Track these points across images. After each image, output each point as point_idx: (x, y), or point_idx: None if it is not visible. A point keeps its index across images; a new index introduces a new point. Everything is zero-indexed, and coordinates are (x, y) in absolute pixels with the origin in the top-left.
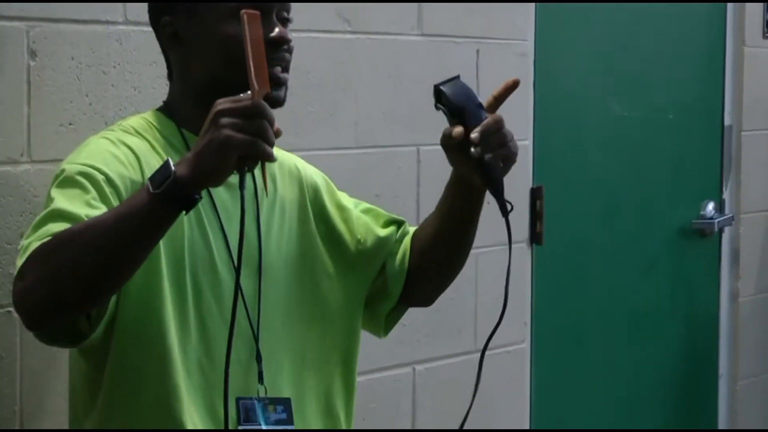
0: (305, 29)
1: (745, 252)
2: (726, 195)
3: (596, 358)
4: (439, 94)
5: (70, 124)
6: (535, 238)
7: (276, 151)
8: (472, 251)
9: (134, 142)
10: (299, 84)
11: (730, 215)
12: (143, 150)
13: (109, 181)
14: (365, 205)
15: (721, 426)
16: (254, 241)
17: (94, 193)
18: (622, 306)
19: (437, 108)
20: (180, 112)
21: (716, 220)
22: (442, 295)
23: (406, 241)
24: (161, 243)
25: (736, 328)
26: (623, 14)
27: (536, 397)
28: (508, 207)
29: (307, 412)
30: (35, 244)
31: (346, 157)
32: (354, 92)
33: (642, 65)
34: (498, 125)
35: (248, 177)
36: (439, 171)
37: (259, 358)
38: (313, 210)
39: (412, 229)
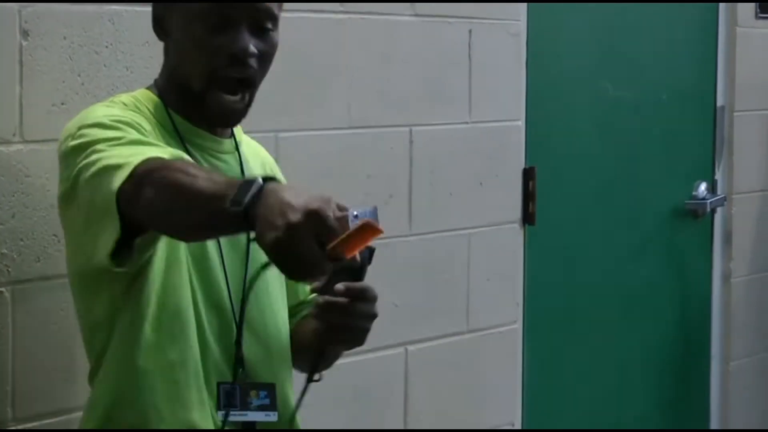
0: (298, 9)
1: (738, 232)
2: (718, 175)
3: (588, 340)
4: None
5: (63, 103)
6: (527, 218)
7: (250, 141)
8: (465, 231)
9: (129, 112)
10: (291, 64)
11: (723, 196)
12: (139, 119)
13: (133, 126)
14: None
15: (713, 407)
16: None
17: (132, 130)
18: (614, 287)
19: None
20: (166, 92)
21: (709, 201)
22: (435, 275)
23: (301, 314)
24: None
25: (728, 309)
26: None
27: (528, 377)
28: (315, 377)
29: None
30: (153, 155)
31: (339, 138)
32: (346, 73)
33: (635, 46)
34: (344, 306)
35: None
36: (431, 152)
37: (238, 344)
38: None
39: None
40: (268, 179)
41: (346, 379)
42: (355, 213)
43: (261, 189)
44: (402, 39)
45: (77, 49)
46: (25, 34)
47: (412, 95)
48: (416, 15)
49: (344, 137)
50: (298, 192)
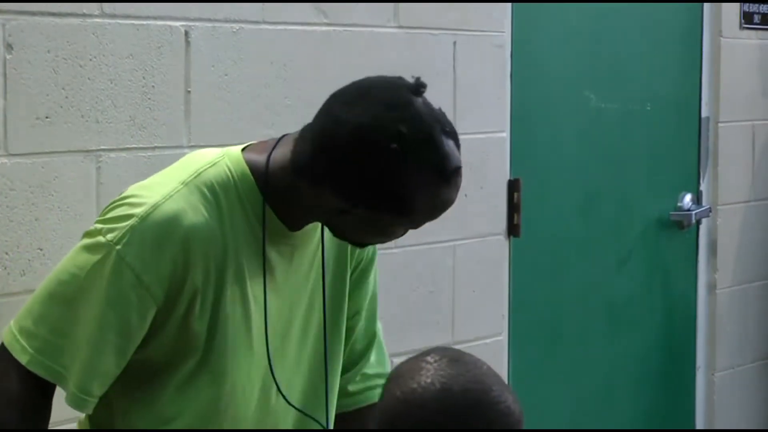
0: (282, 21)
1: (723, 244)
2: (703, 187)
3: (574, 351)
4: None
5: (47, 117)
6: (512, 230)
7: None
8: (450, 243)
9: (195, 223)
10: (276, 76)
11: (708, 207)
12: (202, 232)
13: (142, 285)
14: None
15: (698, 418)
16: (317, 304)
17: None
18: (599, 298)
19: None
20: (277, 192)
21: (693, 212)
22: (420, 286)
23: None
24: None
25: (713, 320)
26: (600, 5)
27: (513, 389)
28: None
29: None
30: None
31: None
32: (331, 85)
33: (619, 57)
34: None
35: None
36: None
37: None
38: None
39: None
40: None
41: None
42: None
43: None
44: (386, 51)
45: (61, 62)
46: (9, 47)
47: None
48: (400, 27)
49: None
50: None
